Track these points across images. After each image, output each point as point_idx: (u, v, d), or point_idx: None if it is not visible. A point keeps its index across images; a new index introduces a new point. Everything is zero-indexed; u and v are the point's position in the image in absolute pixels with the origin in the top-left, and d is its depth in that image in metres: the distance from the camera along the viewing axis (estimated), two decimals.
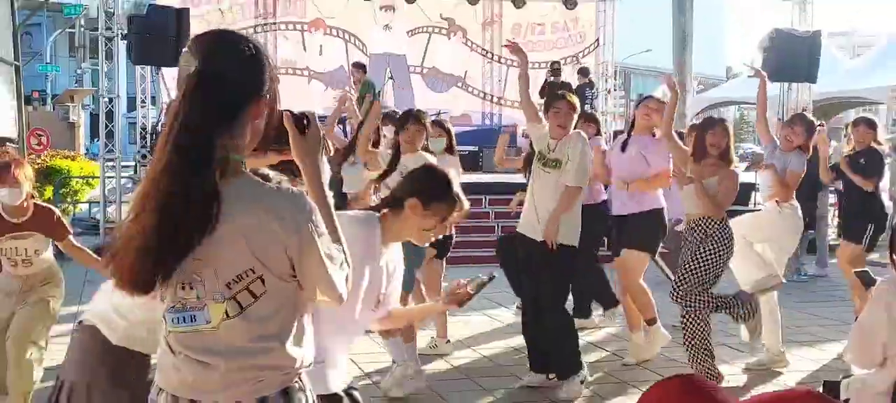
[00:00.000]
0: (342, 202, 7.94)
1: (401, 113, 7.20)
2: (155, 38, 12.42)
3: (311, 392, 2.24)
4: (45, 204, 5.40)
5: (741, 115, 49.36)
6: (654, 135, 6.67)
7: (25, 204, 5.02)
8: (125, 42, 13.18)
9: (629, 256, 6.67)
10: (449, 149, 7.50)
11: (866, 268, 4.39)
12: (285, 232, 2.07)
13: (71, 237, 5.32)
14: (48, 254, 5.28)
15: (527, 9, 18.07)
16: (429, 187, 3.19)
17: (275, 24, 17.34)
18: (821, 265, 10.83)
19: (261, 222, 2.05)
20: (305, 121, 2.28)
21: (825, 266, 10.79)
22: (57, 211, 5.37)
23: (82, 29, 29.49)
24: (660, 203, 6.75)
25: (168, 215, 1.98)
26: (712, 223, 5.75)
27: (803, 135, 6.55)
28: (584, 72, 16.08)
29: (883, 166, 8.06)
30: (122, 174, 13.48)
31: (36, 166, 16.85)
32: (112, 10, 13.58)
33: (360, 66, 14.67)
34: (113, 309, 3.37)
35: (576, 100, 6.12)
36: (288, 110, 2.25)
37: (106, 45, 13.73)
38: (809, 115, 8.16)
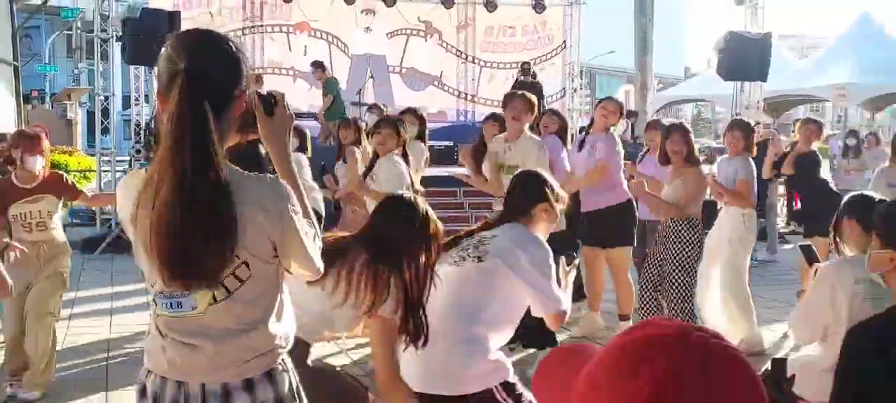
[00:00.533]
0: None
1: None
2: (147, 39, 12.28)
3: (294, 373, 2.23)
4: (54, 170, 5.53)
5: (698, 112, 49.66)
6: (607, 132, 6.61)
7: (40, 170, 5.22)
8: (119, 43, 13.05)
9: (613, 254, 6.68)
10: (420, 137, 7.52)
11: (810, 244, 4.40)
12: (269, 220, 2.05)
13: (84, 191, 5.57)
14: (58, 221, 5.39)
15: (498, 12, 18.11)
16: (549, 188, 3.52)
17: (262, 26, 17.25)
18: (771, 251, 10.91)
19: (246, 212, 2.01)
20: (272, 101, 2.20)
21: (775, 251, 10.88)
22: (65, 174, 5.55)
23: (79, 31, 29.12)
24: (625, 195, 6.67)
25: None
26: (679, 224, 5.72)
27: (742, 138, 6.47)
28: (525, 70, 15.51)
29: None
30: (118, 168, 13.38)
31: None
32: (107, 13, 13.46)
33: (318, 65, 14.48)
34: None
35: (533, 98, 6.10)
36: (257, 92, 2.18)
37: (101, 46, 13.61)
38: (752, 115, 8.28)
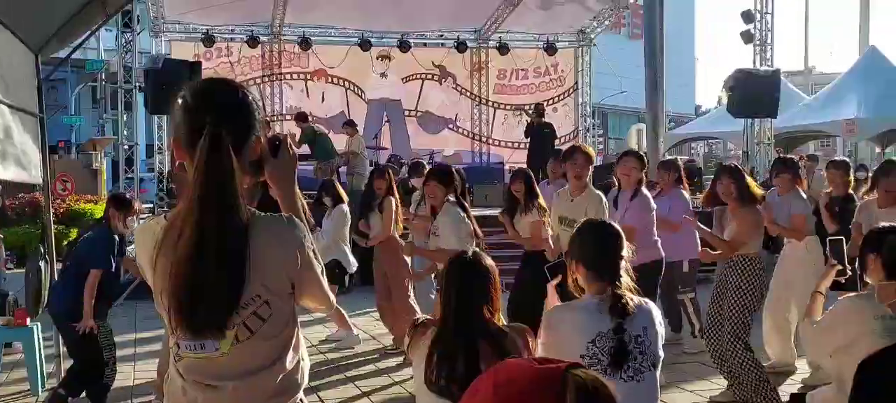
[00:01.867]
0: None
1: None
2: (170, 89, 12.43)
3: None
4: None
5: (710, 149, 49.53)
6: (637, 190, 6.21)
7: None
8: (142, 94, 13.20)
9: None
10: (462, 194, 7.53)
11: (842, 239, 4.13)
12: (287, 257, 2.04)
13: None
14: None
15: (511, 56, 18.24)
16: None
17: (280, 74, 17.42)
18: None
19: (266, 252, 2.01)
20: (277, 143, 2.20)
21: None
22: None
23: (104, 82, 29.49)
24: (656, 255, 6.39)
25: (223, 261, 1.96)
26: (738, 263, 5.59)
27: (790, 176, 6.54)
28: (539, 111, 15.37)
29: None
30: (141, 216, 13.43)
31: (62, 209, 16.83)
32: (130, 65, 13.64)
33: (301, 117, 14.54)
34: None
35: (591, 150, 6.07)
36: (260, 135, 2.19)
37: (125, 96, 13.78)
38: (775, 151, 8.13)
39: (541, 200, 6.48)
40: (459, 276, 3.00)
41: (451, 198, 6.13)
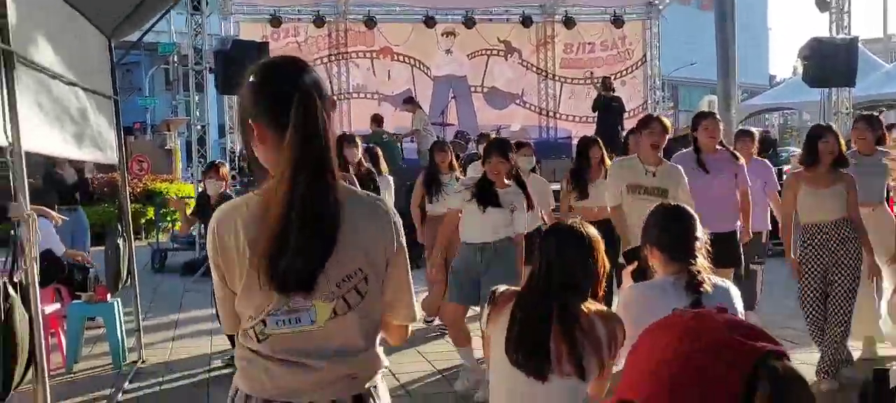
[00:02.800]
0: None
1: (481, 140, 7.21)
2: (239, 69, 12.58)
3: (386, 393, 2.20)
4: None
5: (785, 120, 48.24)
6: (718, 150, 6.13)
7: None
8: (213, 74, 13.43)
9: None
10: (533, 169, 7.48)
11: None
12: (384, 234, 2.05)
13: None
14: None
15: (577, 29, 18.00)
16: None
17: (347, 53, 17.53)
18: None
19: (365, 223, 2.01)
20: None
21: None
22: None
23: (175, 64, 30.14)
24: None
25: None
26: (849, 224, 5.59)
27: (871, 134, 6.27)
28: (606, 85, 15.14)
29: None
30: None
31: (138, 189, 17.31)
32: (200, 47, 13.89)
33: (409, 101, 14.75)
34: None
35: (668, 121, 5.91)
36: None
37: (195, 77, 14.05)
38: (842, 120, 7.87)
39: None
40: (555, 244, 2.93)
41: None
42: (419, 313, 2.23)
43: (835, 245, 5.56)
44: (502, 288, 3.01)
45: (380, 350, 2.11)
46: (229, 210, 2.06)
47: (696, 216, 3.11)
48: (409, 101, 15.25)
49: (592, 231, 2.98)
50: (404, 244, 2.10)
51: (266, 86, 2.00)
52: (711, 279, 2.97)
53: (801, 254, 5.68)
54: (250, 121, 2.01)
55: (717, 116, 6.19)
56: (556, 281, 2.87)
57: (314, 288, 1.94)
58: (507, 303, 2.90)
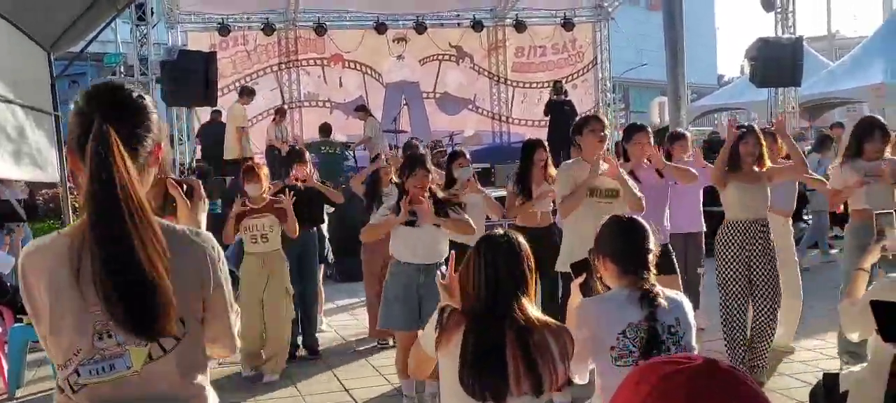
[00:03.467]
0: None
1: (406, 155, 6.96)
2: (186, 80, 12.44)
3: None
4: (275, 197, 6.72)
5: (735, 119, 49.05)
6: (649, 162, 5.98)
7: (264, 194, 6.68)
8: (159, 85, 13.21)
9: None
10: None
11: (891, 212, 3.89)
12: (202, 273, 1.96)
13: (295, 225, 6.61)
14: (277, 236, 6.63)
15: (528, 33, 18.07)
16: None
17: (297, 61, 17.36)
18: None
19: (180, 262, 1.90)
20: (190, 187, 2.22)
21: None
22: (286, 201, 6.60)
23: (122, 76, 29.66)
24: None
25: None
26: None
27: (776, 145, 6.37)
28: (557, 88, 15.32)
29: None
30: None
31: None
32: (146, 56, 13.64)
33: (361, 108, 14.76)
34: None
35: (605, 119, 5.82)
36: (172, 178, 2.17)
37: (142, 89, 13.81)
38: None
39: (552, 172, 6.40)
40: (492, 257, 2.86)
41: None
42: (238, 343, 2.13)
43: (758, 242, 5.73)
44: (449, 307, 2.90)
45: (208, 390, 2.04)
46: (35, 251, 1.95)
47: (648, 228, 3.09)
48: (361, 109, 15.19)
49: (519, 238, 2.92)
50: (223, 278, 2.01)
51: (76, 115, 1.92)
52: (665, 292, 2.95)
53: (723, 252, 5.78)
54: (68, 147, 1.96)
55: (649, 129, 6.12)
56: (499, 292, 2.81)
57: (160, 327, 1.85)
58: (456, 328, 2.80)
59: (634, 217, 3.22)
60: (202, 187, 2.23)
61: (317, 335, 7.49)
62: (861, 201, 5.64)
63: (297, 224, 6.65)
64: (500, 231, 2.99)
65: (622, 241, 3.03)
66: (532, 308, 2.84)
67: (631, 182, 5.42)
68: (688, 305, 3.02)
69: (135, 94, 1.97)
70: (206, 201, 2.25)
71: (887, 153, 5.77)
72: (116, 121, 1.87)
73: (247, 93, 13.84)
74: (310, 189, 7.28)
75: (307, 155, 7.71)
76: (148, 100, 1.99)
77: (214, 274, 1.99)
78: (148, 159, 1.97)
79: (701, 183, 6.59)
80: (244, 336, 6.30)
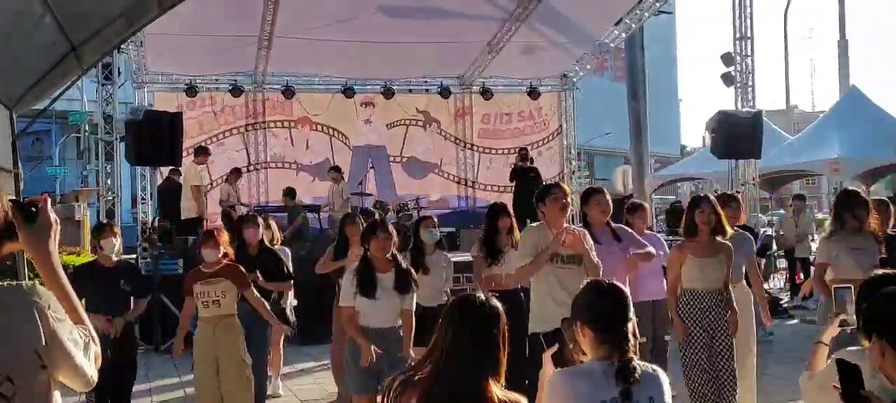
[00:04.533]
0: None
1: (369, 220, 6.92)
2: (151, 140, 12.41)
3: None
4: (233, 262, 6.48)
5: (696, 189, 49.72)
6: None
7: (220, 260, 6.31)
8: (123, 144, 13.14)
9: None
10: (439, 243, 7.37)
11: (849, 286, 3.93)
12: (26, 327, 1.91)
13: (253, 289, 6.39)
14: (232, 301, 6.30)
15: (494, 100, 18.29)
16: None
17: (264, 123, 17.39)
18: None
19: (3, 323, 1.87)
20: (34, 209, 2.07)
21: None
22: (241, 268, 6.43)
23: (87, 134, 29.43)
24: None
25: None
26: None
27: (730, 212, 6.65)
28: (523, 155, 15.68)
29: None
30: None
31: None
32: (111, 115, 13.57)
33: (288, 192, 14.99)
34: None
35: (567, 187, 5.88)
36: (12, 200, 2.05)
37: (106, 147, 13.71)
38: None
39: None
40: (460, 325, 2.70)
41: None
42: (95, 374, 2.08)
43: (716, 311, 5.89)
44: (401, 377, 2.74)
45: None
46: None
47: (628, 294, 2.99)
48: (336, 170, 15.28)
49: (495, 303, 2.79)
50: (57, 327, 1.95)
51: None
52: (642, 365, 2.85)
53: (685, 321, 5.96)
54: None
55: (607, 192, 6.26)
56: (462, 359, 2.65)
57: None
58: (411, 398, 2.66)
59: (614, 282, 3.09)
60: (49, 206, 2.07)
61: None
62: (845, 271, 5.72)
63: (255, 293, 6.40)
64: (479, 294, 2.85)
65: (600, 307, 2.92)
66: (498, 389, 2.66)
67: (590, 242, 5.50)
68: (663, 377, 2.92)
69: None
70: (57, 222, 2.11)
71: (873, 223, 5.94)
72: None
73: (202, 153, 13.90)
74: (264, 250, 7.23)
75: (256, 218, 7.64)
76: None
77: (45, 325, 1.93)
78: None
79: (662, 257, 6.75)
80: None
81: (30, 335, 1.92)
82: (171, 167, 13.99)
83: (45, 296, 1.97)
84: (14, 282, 1.99)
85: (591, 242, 5.54)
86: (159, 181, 15.18)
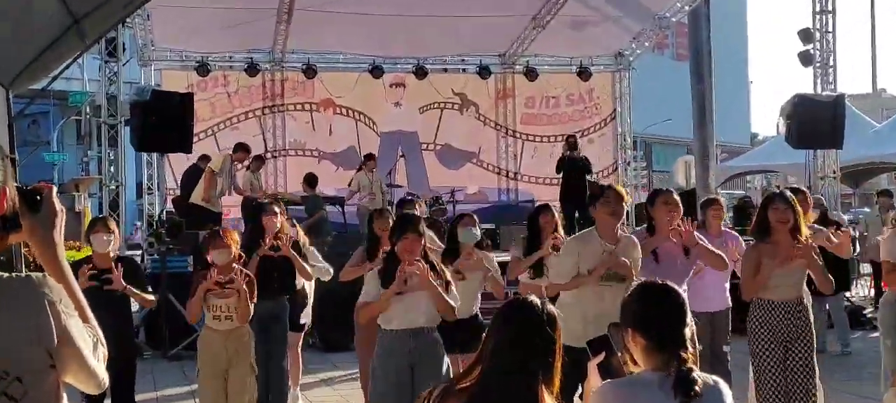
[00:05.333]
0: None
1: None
2: (159, 124, 12.50)
3: None
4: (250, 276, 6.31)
5: (768, 183, 49.19)
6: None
7: (231, 263, 6.16)
8: (129, 128, 13.29)
9: None
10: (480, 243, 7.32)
11: None
12: (38, 327, 1.96)
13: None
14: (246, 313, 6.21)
15: (540, 82, 18.18)
16: None
17: (283, 105, 17.47)
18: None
19: (7, 317, 1.92)
20: (38, 197, 2.13)
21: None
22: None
23: (88, 116, 29.83)
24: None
25: None
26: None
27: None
28: (571, 143, 15.49)
29: None
30: None
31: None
32: (115, 96, 13.71)
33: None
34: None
35: (623, 190, 5.83)
36: (18, 186, 2.10)
37: (109, 132, 13.87)
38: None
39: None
40: (519, 328, 2.73)
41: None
42: (105, 376, 2.13)
43: (794, 322, 5.80)
44: (442, 385, 2.78)
45: None
46: None
47: (685, 296, 2.97)
48: (370, 158, 15.22)
49: (550, 308, 2.84)
50: (68, 323, 2.00)
51: None
52: (703, 376, 2.81)
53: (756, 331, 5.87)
54: None
55: (677, 196, 6.16)
56: (512, 366, 2.69)
57: None
58: None
59: (668, 283, 3.04)
60: (54, 195, 2.13)
61: None
62: None
63: (250, 308, 6.27)
64: (534, 298, 2.88)
65: (656, 312, 2.87)
66: (552, 401, 2.70)
67: (637, 255, 5.56)
68: (726, 390, 2.89)
69: None
70: (63, 212, 2.17)
71: None
72: None
73: (242, 150, 13.49)
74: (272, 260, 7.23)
75: (275, 207, 7.63)
76: None
77: (57, 321, 1.97)
78: None
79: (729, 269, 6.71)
80: None
81: (41, 333, 1.96)
82: (201, 155, 13.93)
83: (56, 290, 2.02)
84: (22, 274, 2.03)
85: (638, 255, 5.56)
86: (168, 169, 15.31)
